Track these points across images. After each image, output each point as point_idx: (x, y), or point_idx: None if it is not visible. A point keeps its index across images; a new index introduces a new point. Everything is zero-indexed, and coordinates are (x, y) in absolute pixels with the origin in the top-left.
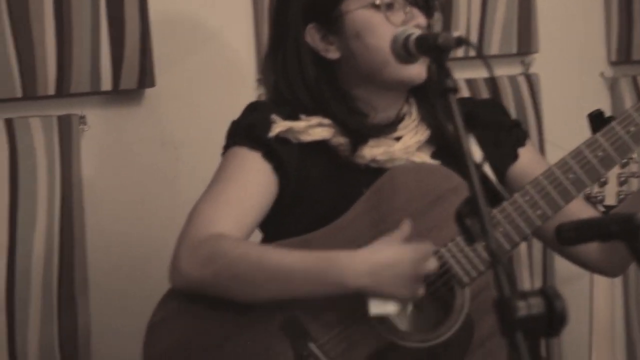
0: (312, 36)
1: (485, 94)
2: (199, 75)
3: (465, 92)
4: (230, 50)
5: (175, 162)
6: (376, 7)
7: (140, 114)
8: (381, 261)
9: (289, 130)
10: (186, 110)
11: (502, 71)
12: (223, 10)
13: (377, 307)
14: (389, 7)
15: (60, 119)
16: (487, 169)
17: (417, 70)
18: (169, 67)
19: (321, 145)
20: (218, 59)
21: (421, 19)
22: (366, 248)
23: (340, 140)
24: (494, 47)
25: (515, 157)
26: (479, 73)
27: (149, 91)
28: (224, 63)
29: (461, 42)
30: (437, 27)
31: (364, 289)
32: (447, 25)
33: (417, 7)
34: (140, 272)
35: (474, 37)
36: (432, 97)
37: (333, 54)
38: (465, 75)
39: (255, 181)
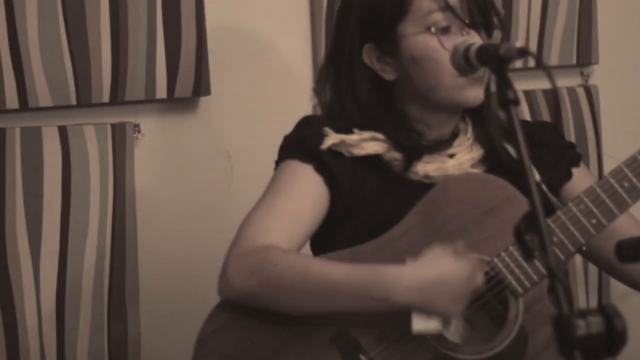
0: (369, 56)
1: (543, 105)
2: (255, 84)
3: (523, 104)
4: (286, 59)
5: (230, 171)
6: (432, 32)
7: (195, 123)
8: (429, 277)
9: (342, 143)
10: (241, 119)
11: (561, 82)
12: (280, 19)
13: (420, 324)
14: (446, 30)
15: (115, 126)
16: (542, 184)
17: (475, 94)
18: (225, 75)
19: (374, 160)
20: (274, 68)
21: (478, 41)
22: (414, 263)
23: (394, 155)
24: (553, 58)
25: (569, 176)
26: (538, 84)
27: (204, 99)
28: (280, 72)
29: (523, 52)
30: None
31: (411, 305)
32: (506, 36)
33: (474, 29)
34: (192, 282)
35: (533, 48)
36: (487, 115)
37: (389, 75)
38: (524, 86)
39: (307, 194)
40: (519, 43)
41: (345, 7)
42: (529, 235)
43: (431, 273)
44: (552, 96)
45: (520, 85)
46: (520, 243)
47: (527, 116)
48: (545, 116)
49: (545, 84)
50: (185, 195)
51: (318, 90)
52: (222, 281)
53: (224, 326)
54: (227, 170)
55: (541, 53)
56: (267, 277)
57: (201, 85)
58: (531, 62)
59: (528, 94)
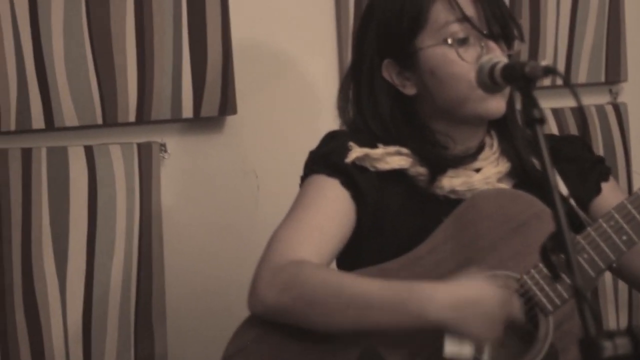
0: (389, 71)
1: (572, 123)
2: (281, 103)
3: (551, 122)
4: (313, 78)
5: (257, 190)
6: (450, 44)
7: (221, 142)
8: (466, 296)
9: (366, 157)
10: (268, 138)
11: (590, 100)
12: (306, 38)
13: (452, 347)
14: (464, 41)
15: (141, 146)
16: (571, 200)
17: (496, 105)
18: (251, 94)
19: (399, 174)
20: (300, 87)
21: (497, 52)
22: (451, 281)
23: (419, 170)
24: (581, 76)
25: (598, 190)
26: (566, 102)
27: (230, 119)
28: (306, 91)
29: (549, 71)
30: (520, 55)
31: (444, 322)
32: (534, 53)
33: (493, 40)
34: (218, 301)
35: (561, 66)
36: (512, 129)
37: (409, 89)
38: (552, 104)
39: (334, 209)
40: (545, 61)
41: (364, 23)
42: (556, 255)
43: (467, 292)
44: (579, 114)
45: (549, 103)
46: (547, 263)
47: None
48: (574, 134)
49: (574, 102)
50: (211, 215)
51: (340, 106)
52: (253, 296)
53: (251, 343)
54: (253, 189)
55: (569, 71)
56: (300, 292)
57: (227, 105)
58: (559, 80)
59: (556, 112)
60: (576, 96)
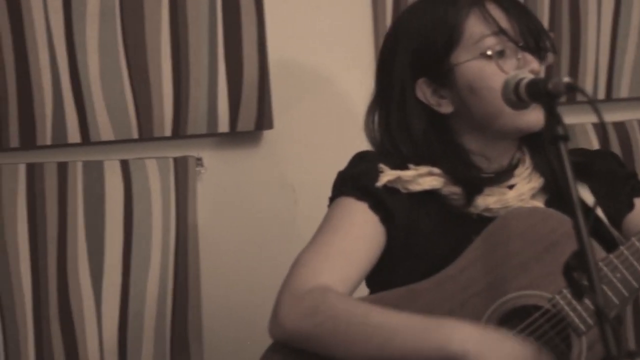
0: (423, 91)
1: (613, 137)
2: (317, 118)
3: (592, 136)
4: (349, 93)
5: (294, 205)
6: (487, 57)
7: (257, 156)
8: (492, 334)
9: (398, 179)
10: (304, 152)
11: (632, 115)
12: (343, 53)
13: None
14: (500, 54)
15: (177, 160)
16: (601, 215)
17: (535, 117)
18: (287, 109)
19: (431, 195)
20: (337, 101)
21: (535, 64)
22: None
23: (453, 190)
24: (623, 90)
25: (631, 206)
26: (610, 117)
27: (266, 133)
28: (343, 106)
29: (571, 87)
30: (559, 69)
31: (467, 354)
32: (575, 68)
33: (529, 52)
34: (255, 318)
35: (602, 81)
36: (545, 144)
37: (446, 107)
38: (593, 119)
39: (362, 233)
40: (568, 78)
41: (392, 44)
42: (578, 273)
43: (495, 331)
44: (601, 129)
45: (590, 118)
46: (570, 281)
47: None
48: (616, 149)
49: (614, 117)
50: (248, 229)
51: (366, 131)
52: (274, 321)
53: None
54: (290, 203)
55: (610, 85)
56: (323, 320)
57: (264, 119)
58: (600, 94)
59: (597, 127)
60: (597, 112)
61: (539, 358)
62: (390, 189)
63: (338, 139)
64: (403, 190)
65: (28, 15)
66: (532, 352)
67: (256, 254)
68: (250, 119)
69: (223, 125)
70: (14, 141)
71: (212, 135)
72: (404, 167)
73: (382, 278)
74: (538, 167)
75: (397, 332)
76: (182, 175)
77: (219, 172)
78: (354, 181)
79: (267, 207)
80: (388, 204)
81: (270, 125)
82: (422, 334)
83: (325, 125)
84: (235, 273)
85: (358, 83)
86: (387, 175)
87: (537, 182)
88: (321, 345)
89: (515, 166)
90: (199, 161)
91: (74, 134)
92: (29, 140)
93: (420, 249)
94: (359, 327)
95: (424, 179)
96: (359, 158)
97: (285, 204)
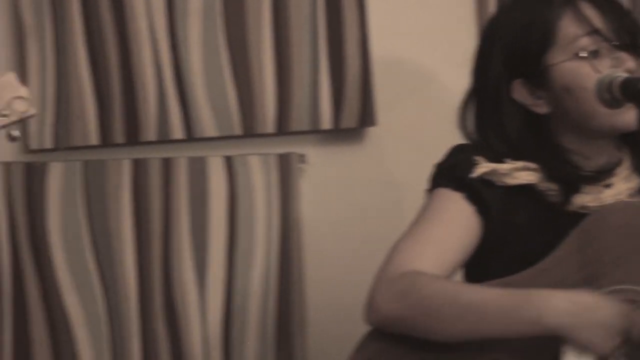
0: (520, 92)
1: None
2: (421, 115)
3: None
4: (453, 90)
5: (398, 202)
6: (582, 57)
7: (361, 154)
8: (584, 303)
9: (493, 172)
10: (408, 150)
11: None
12: (446, 50)
13: (572, 358)
14: (595, 54)
15: (280, 157)
16: None
17: (632, 116)
18: (391, 106)
19: (526, 189)
20: (441, 98)
21: (630, 63)
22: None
23: (549, 186)
24: None
25: None
26: None
27: (370, 130)
28: (447, 103)
29: None
30: None
31: (562, 328)
32: None
33: (624, 50)
34: (359, 314)
35: None
36: None
37: (542, 108)
38: None
39: (457, 222)
40: None
41: (486, 47)
42: None
43: (586, 299)
44: None
45: None
46: None
47: None
48: None
49: None
50: (351, 227)
51: (460, 126)
52: (369, 306)
53: (374, 357)
54: (394, 201)
55: None
56: (415, 300)
57: (367, 116)
58: None
59: None
60: None
61: (635, 319)
62: (486, 182)
63: (442, 136)
64: (498, 184)
65: (131, 13)
66: (627, 313)
67: (359, 250)
68: (353, 116)
69: (326, 122)
70: (119, 137)
71: (315, 132)
72: (499, 161)
73: (477, 271)
74: (637, 168)
75: (488, 309)
76: (285, 172)
77: (322, 168)
78: (450, 173)
79: (370, 204)
80: (483, 196)
81: (373, 122)
82: (514, 310)
83: (429, 122)
84: (338, 269)
85: (462, 80)
86: (483, 167)
87: (635, 182)
88: (415, 327)
89: (615, 166)
90: (302, 158)
91: (177, 130)
92: (133, 137)
93: (515, 242)
94: (450, 307)
95: (519, 173)
96: (456, 150)
97: (388, 201)
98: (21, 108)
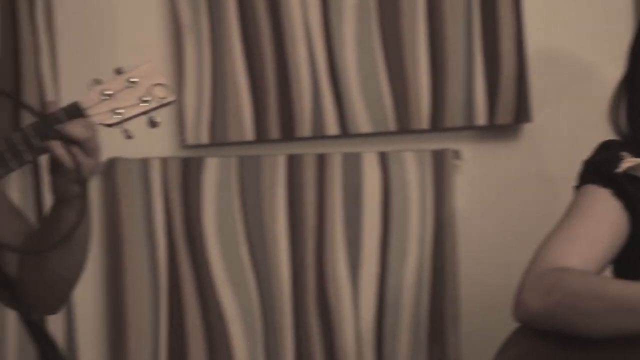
0: None
1: None
2: (578, 111)
3: None
4: (612, 86)
5: (554, 199)
6: None
7: (516, 150)
8: None
9: (639, 167)
10: (565, 146)
11: None
12: (604, 45)
13: None
14: None
15: (434, 153)
16: None
17: None
18: (547, 102)
19: None
20: (599, 94)
21: None
22: None
23: None
24: None
25: None
26: None
27: (526, 126)
28: (603, 100)
29: None
30: None
31: None
32: None
33: None
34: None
35: None
36: None
37: None
38: None
39: (604, 218)
40: None
41: None
42: None
43: None
44: None
45: None
46: None
47: None
48: None
49: None
50: (506, 223)
51: (612, 117)
52: (517, 303)
53: (524, 353)
54: (551, 198)
55: None
56: (561, 296)
57: (522, 112)
58: None
59: None
60: None
61: None
62: (633, 178)
63: (599, 132)
64: None
65: (286, 10)
66: None
67: (513, 247)
68: (508, 112)
69: (480, 118)
70: (275, 133)
71: (469, 128)
72: None
73: (626, 267)
74: None
75: (636, 305)
76: (440, 168)
77: (477, 165)
78: (596, 169)
79: (525, 201)
80: (630, 192)
81: (529, 119)
82: None
83: (586, 118)
84: (491, 265)
85: (620, 74)
86: (628, 162)
87: None
88: (562, 323)
89: None
90: (456, 154)
91: (332, 126)
92: (288, 132)
93: None
94: (597, 302)
95: None
96: (603, 147)
97: (543, 198)
98: (161, 94)
